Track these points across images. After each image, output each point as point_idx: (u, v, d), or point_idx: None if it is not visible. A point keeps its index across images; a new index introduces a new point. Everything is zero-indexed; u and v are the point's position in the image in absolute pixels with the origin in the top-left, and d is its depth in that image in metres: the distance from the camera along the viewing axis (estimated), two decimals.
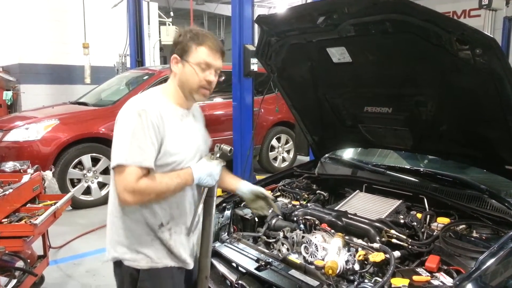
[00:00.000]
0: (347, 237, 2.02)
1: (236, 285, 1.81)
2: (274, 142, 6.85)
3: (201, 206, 1.69)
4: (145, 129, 1.48)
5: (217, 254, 2.02)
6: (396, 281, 1.62)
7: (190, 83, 1.61)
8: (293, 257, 1.90)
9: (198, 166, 1.61)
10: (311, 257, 1.97)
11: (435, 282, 1.62)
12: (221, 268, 1.97)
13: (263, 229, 2.25)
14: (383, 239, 1.95)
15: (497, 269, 1.60)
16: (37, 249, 3.03)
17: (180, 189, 1.59)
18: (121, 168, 1.48)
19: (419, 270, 1.74)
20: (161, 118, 1.54)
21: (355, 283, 1.80)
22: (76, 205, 4.94)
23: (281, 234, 2.14)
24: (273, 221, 2.25)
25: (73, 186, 4.99)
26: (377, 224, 2.04)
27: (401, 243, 1.92)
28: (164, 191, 1.53)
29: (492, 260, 1.60)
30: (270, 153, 6.81)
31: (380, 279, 1.75)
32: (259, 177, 4.46)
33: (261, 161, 6.73)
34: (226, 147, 1.69)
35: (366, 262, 1.84)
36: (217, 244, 2.11)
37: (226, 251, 2.03)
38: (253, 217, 2.39)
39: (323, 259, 1.89)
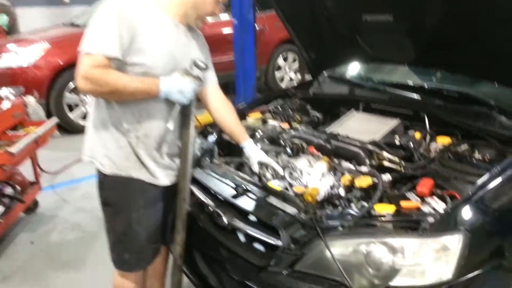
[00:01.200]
0: (336, 160, 1.87)
1: (212, 213, 1.71)
2: (281, 61, 6.53)
3: (171, 123, 1.57)
4: (116, 21, 1.43)
5: (195, 181, 1.90)
6: (380, 207, 1.47)
7: (204, 10, 1.61)
8: (275, 184, 1.76)
9: (168, 79, 1.50)
10: (296, 182, 1.83)
11: (425, 209, 1.47)
12: (200, 194, 1.86)
13: None
14: (374, 162, 1.78)
15: (500, 191, 1.43)
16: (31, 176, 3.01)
17: (141, 96, 1.50)
18: (84, 55, 1.44)
19: (409, 194, 1.59)
20: (139, 15, 1.48)
21: (339, 208, 1.68)
22: (75, 130, 4.87)
23: None
24: (258, 145, 2.09)
25: (71, 111, 4.91)
26: (368, 146, 1.86)
27: (394, 166, 1.75)
28: (121, 90, 1.45)
29: (493, 182, 1.42)
30: (276, 73, 6.52)
31: (367, 204, 1.62)
32: None
33: (267, 82, 6.47)
34: (201, 63, 1.51)
35: (353, 186, 1.69)
36: (197, 170, 1.98)
37: (204, 177, 1.90)
38: None
39: (306, 185, 1.76)
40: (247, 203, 1.64)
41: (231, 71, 4.87)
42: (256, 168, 1.87)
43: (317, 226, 1.40)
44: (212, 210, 1.71)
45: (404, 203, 1.50)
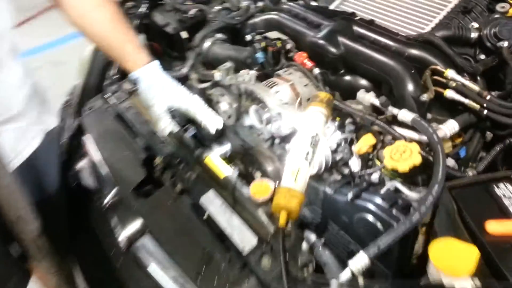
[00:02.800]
0: (349, 78, 0.96)
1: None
2: None
3: None
4: None
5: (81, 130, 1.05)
6: (440, 256, 0.63)
7: None
8: (215, 158, 0.88)
9: None
10: (271, 128, 0.96)
11: None
12: (92, 149, 1.03)
13: (192, 58, 1.17)
14: (426, 96, 0.86)
15: None
16: None
17: None
18: None
19: (501, 190, 0.72)
20: None
21: (351, 193, 0.84)
22: None
23: (217, 74, 1.06)
24: (205, 44, 1.14)
25: None
26: (413, 50, 0.91)
27: (466, 100, 0.84)
28: None
29: None
30: None
31: (402, 187, 0.80)
32: None
33: None
34: None
35: (376, 158, 0.83)
36: (94, 104, 1.10)
37: (95, 125, 1.03)
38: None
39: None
40: (155, 198, 0.82)
41: None
42: (165, 121, 0.96)
43: None
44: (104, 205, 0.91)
45: (493, 226, 0.66)
